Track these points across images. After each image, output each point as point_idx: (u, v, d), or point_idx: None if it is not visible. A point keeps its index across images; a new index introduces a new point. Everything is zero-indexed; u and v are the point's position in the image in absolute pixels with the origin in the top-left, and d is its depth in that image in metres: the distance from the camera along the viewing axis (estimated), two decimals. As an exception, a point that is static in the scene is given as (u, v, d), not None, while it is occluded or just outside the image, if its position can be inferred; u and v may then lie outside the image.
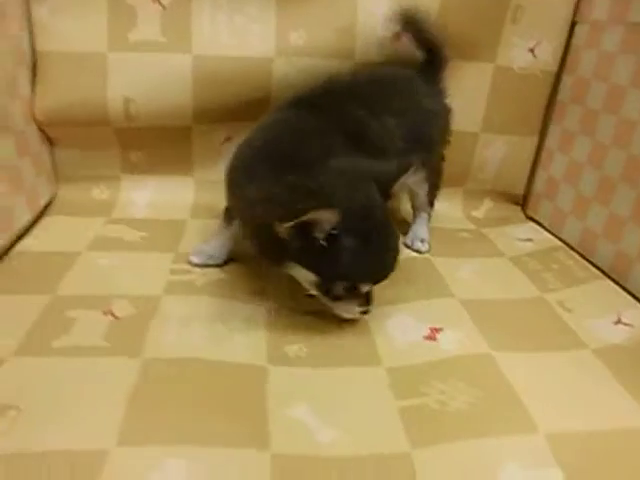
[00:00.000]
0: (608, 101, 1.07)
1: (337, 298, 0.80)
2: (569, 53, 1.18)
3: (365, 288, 0.80)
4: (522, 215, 1.32)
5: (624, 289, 0.97)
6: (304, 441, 0.62)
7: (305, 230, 0.71)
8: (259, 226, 0.78)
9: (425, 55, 1.08)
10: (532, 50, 1.17)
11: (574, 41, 1.17)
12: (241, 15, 1.09)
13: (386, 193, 0.78)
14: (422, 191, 1.11)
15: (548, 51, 1.17)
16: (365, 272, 0.78)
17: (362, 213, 0.75)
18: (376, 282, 0.81)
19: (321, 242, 0.72)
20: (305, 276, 0.78)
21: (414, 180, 1.06)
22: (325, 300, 0.81)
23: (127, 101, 1.10)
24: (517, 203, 1.34)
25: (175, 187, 1.22)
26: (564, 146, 1.20)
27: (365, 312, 0.82)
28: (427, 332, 0.83)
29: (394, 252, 0.80)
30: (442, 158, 1.13)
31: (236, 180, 0.85)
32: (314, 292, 0.80)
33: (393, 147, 0.93)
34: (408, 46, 1.09)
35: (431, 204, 1.14)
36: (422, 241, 1.10)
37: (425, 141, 1.00)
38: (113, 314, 0.81)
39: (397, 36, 1.11)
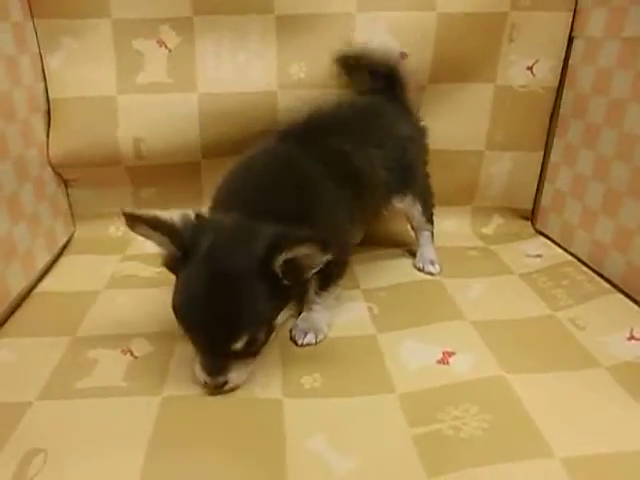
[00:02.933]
0: (609, 115, 1.08)
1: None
2: (567, 69, 1.19)
3: (196, 342, 0.74)
4: (532, 230, 1.33)
5: (636, 302, 0.97)
6: (321, 475, 0.63)
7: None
8: None
9: (384, 82, 1.09)
10: (530, 68, 1.19)
11: (572, 57, 1.18)
12: (243, 52, 1.13)
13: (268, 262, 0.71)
14: (416, 212, 1.12)
15: (546, 68, 1.19)
16: (181, 312, 0.74)
17: (206, 256, 0.72)
18: (200, 337, 0.73)
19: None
20: None
21: (406, 203, 1.09)
22: None
23: (137, 141, 1.14)
24: (526, 218, 1.34)
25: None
26: (568, 160, 1.20)
27: (208, 384, 0.73)
28: (440, 356, 0.84)
29: (218, 316, 0.70)
30: (427, 176, 1.15)
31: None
32: None
33: (376, 178, 0.96)
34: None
35: (429, 222, 1.15)
36: (432, 263, 1.11)
37: (406, 167, 1.03)
38: (132, 353, 0.84)
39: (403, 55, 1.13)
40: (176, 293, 0.75)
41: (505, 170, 1.28)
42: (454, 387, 0.77)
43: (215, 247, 0.73)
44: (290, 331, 0.90)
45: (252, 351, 0.75)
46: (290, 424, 0.71)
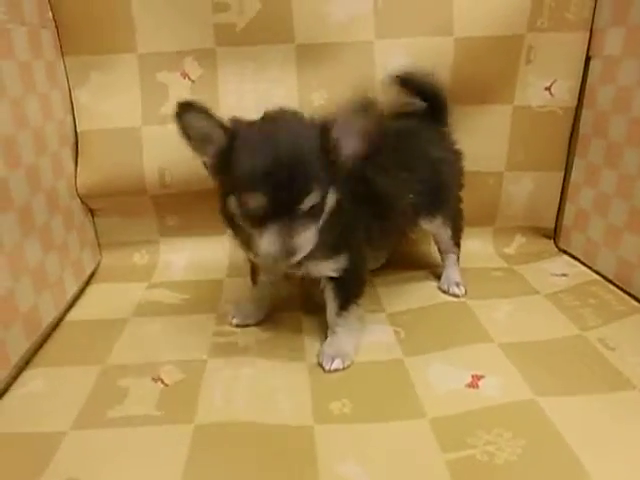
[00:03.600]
0: (630, 134, 1.08)
1: (247, 224, 0.79)
2: (586, 88, 1.20)
3: (261, 209, 0.75)
4: (555, 248, 1.32)
5: (666, 321, 0.96)
6: (356, 502, 0.63)
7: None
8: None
9: (426, 104, 1.10)
10: (548, 88, 1.19)
11: (590, 76, 1.19)
12: (264, 81, 1.15)
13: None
14: (445, 235, 1.12)
15: (564, 88, 1.19)
16: (248, 174, 0.75)
17: (258, 129, 0.79)
18: (268, 197, 0.74)
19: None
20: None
21: (435, 225, 1.09)
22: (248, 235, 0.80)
23: (162, 170, 1.17)
24: (548, 236, 1.34)
25: (211, 247, 1.27)
26: (590, 179, 1.20)
27: (278, 256, 0.75)
28: (469, 380, 0.84)
29: (289, 169, 0.74)
30: (460, 200, 1.15)
31: None
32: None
33: (402, 202, 0.96)
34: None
35: (457, 245, 1.15)
36: (457, 285, 1.11)
37: (438, 189, 1.04)
38: (162, 381, 0.84)
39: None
40: (236, 165, 0.77)
41: (526, 191, 1.28)
42: (485, 411, 0.77)
43: (272, 120, 0.81)
44: (317, 357, 0.90)
45: (314, 214, 0.78)
46: (321, 450, 0.71)
